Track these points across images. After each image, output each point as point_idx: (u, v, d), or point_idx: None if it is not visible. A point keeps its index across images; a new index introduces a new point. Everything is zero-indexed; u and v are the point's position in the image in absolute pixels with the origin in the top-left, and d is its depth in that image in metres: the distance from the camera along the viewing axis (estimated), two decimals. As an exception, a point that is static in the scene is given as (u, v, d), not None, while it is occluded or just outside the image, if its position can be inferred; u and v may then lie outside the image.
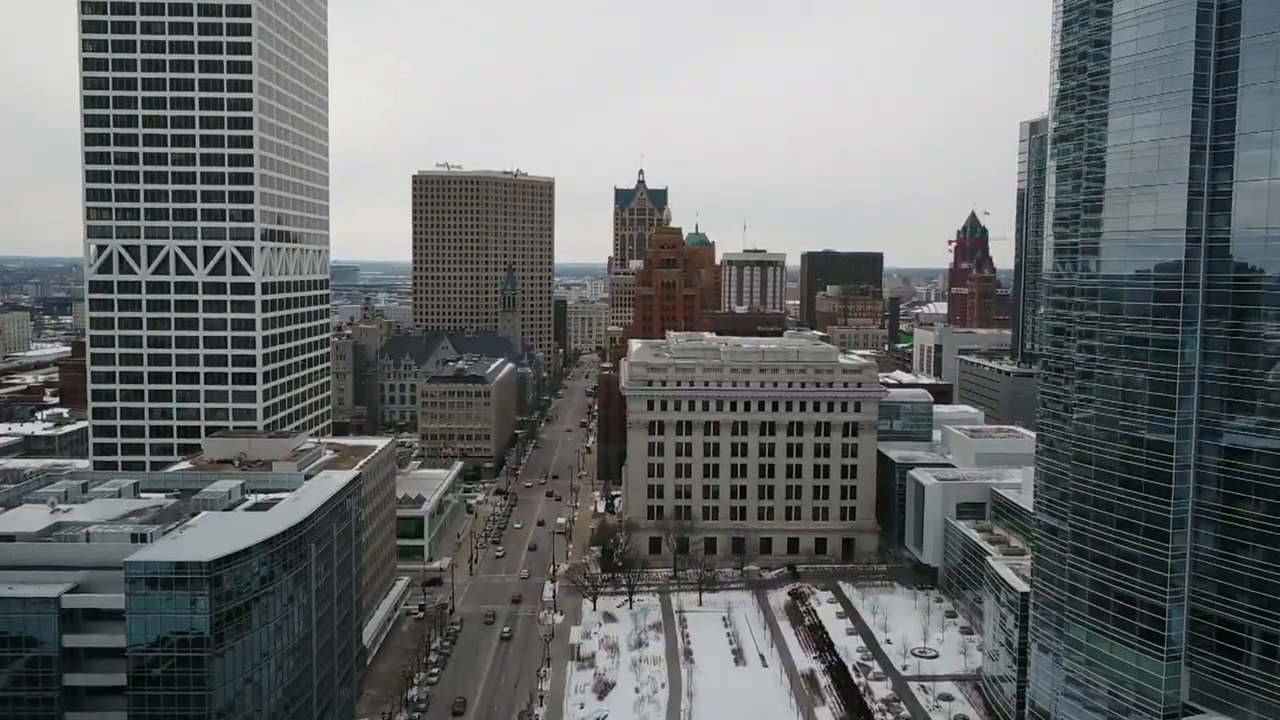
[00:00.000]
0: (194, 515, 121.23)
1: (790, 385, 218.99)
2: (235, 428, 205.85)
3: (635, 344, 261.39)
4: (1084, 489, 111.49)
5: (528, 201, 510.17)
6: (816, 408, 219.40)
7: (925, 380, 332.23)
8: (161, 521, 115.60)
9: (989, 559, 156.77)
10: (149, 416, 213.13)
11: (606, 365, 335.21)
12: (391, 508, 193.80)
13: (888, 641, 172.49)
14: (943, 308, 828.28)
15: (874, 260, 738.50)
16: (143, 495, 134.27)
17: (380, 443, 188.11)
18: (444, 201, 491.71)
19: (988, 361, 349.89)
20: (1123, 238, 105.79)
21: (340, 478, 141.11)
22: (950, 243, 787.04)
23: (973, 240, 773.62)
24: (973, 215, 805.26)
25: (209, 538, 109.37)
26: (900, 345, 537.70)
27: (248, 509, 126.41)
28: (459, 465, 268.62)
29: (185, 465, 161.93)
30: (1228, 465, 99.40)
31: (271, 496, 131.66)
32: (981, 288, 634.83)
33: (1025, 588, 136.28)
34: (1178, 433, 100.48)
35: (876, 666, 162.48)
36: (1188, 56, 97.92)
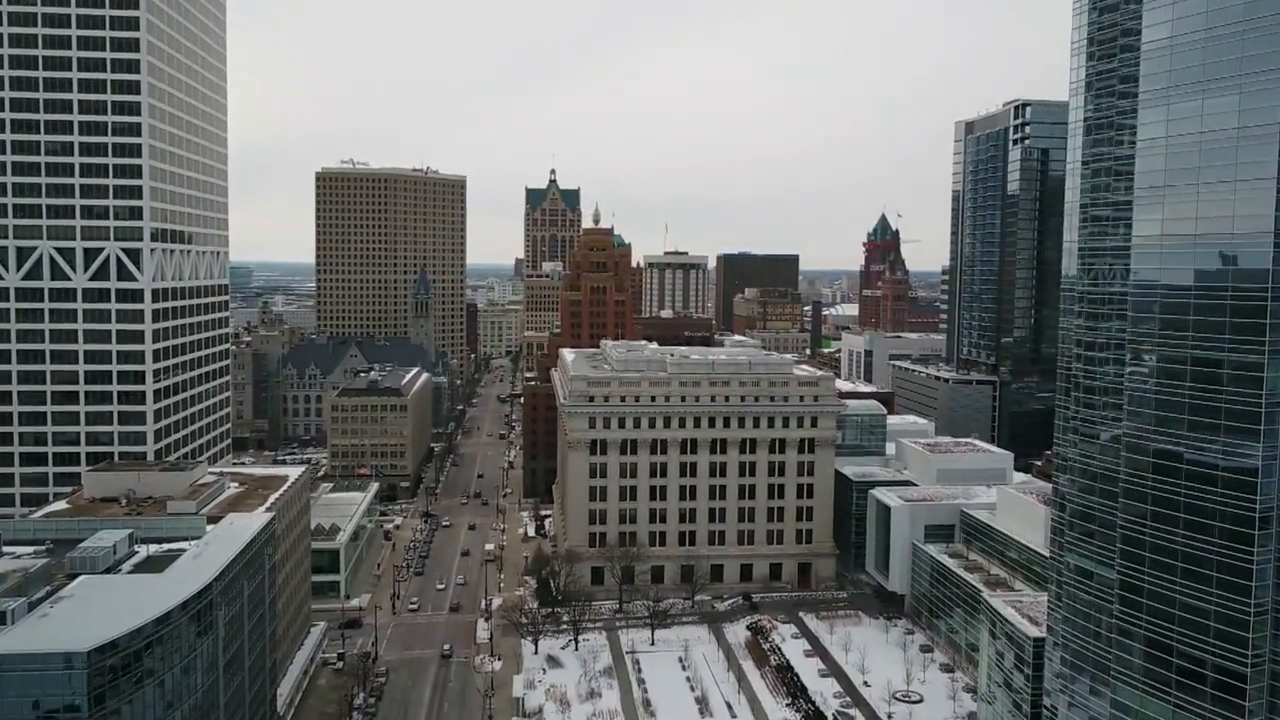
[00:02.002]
0: (71, 578, 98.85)
1: (743, 399, 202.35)
2: (121, 455, 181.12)
3: (569, 355, 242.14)
4: (1137, 531, 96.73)
5: (438, 201, 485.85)
6: (771, 423, 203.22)
7: (864, 388, 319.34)
8: (27, 591, 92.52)
9: (984, 595, 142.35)
10: (19, 442, 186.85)
11: (530, 374, 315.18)
12: (306, 545, 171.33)
13: (865, 684, 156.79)
14: (851, 309, 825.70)
15: (790, 262, 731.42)
16: (6, 551, 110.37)
17: (293, 473, 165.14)
18: (350, 200, 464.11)
19: (923, 368, 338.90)
20: (1188, 242, 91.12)
21: (250, 523, 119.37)
22: (864, 244, 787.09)
23: (884, 242, 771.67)
24: (883, 217, 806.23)
25: (88, 614, 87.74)
26: (824, 350, 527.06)
27: (137, 568, 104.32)
28: (374, 487, 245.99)
29: (61, 505, 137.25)
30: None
31: (167, 549, 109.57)
32: (894, 290, 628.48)
33: (1036, 632, 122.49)
34: (1261, 471, 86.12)
35: (859, 716, 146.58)
36: (1275, 31, 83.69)
